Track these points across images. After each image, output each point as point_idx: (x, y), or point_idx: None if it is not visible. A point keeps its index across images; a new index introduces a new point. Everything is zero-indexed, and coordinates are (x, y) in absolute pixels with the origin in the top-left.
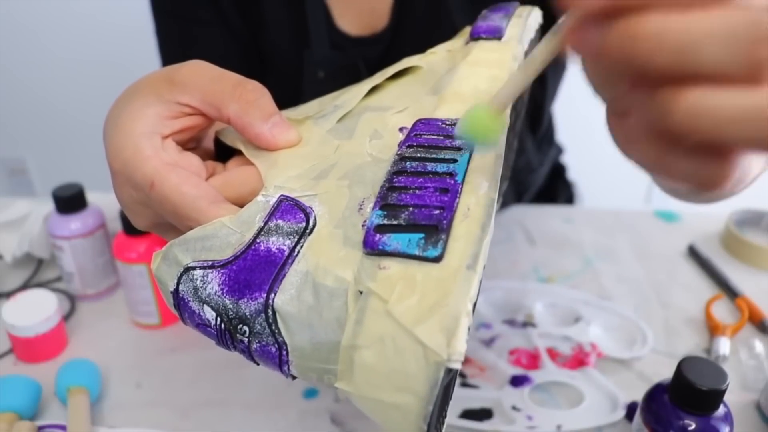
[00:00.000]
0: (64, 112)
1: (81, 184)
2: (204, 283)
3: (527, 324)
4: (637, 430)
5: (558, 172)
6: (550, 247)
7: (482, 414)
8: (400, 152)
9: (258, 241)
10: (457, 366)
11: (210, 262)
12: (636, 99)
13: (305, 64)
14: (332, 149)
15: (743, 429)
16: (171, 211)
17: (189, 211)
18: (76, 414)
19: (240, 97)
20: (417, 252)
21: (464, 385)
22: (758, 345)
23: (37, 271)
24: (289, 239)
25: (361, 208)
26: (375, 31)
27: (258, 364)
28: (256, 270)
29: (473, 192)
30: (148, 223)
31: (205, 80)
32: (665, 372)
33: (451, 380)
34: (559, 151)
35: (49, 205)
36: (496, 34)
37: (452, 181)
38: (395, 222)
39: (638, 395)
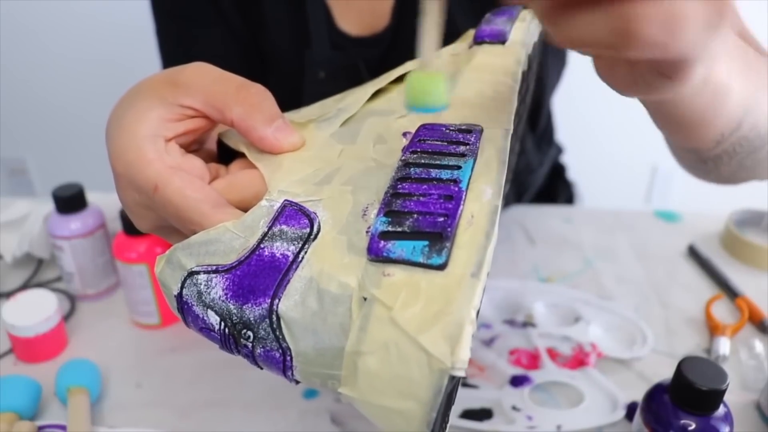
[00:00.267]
0: (64, 112)
1: (81, 184)
2: (208, 288)
3: (527, 324)
4: (637, 430)
5: (558, 172)
6: (550, 247)
7: (482, 414)
8: (404, 158)
9: (262, 246)
10: (461, 374)
11: (214, 267)
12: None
13: (306, 65)
14: (336, 153)
15: (743, 429)
16: (174, 214)
17: (192, 215)
18: (76, 414)
19: (243, 100)
20: (421, 259)
21: (464, 385)
22: (758, 345)
23: (37, 271)
24: (294, 245)
25: (365, 214)
26: (375, 32)
27: (261, 369)
28: (260, 275)
29: (477, 199)
30: (151, 226)
31: (209, 82)
32: (665, 372)
33: (454, 387)
34: (559, 151)
35: (49, 205)
36: (500, 39)
37: (456, 188)
38: (400, 229)
39: (638, 395)
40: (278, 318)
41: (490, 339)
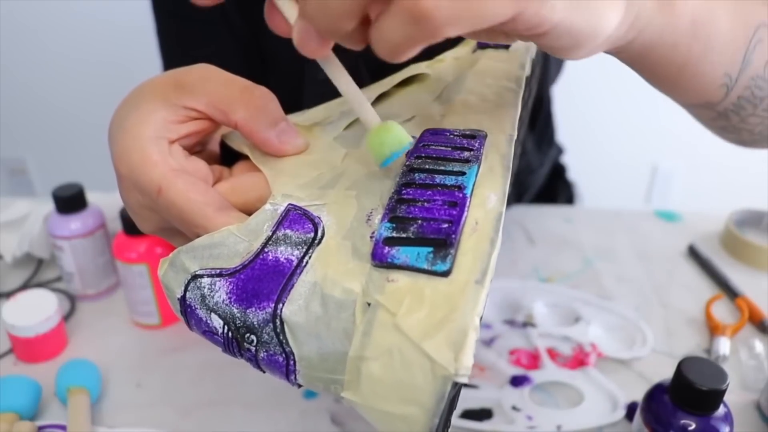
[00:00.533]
0: (64, 112)
1: (81, 184)
2: (212, 291)
3: (527, 324)
4: (637, 430)
5: (558, 172)
6: (550, 247)
7: (482, 414)
8: (408, 163)
9: (266, 250)
10: (465, 380)
11: (218, 271)
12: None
13: (306, 65)
14: (339, 157)
15: (743, 429)
16: (178, 216)
17: (196, 218)
18: (76, 414)
19: (248, 103)
20: (425, 266)
21: (464, 385)
22: (758, 345)
23: (37, 271)
24: (298, 249)
25: (369, 219)
26: None
27: (264, 372)
28: (264, 279)
29: (481, 206)
30: (154, 228)
31: (213, 84)
32: (665, 372)
33: (457, 392)
34: (559, 151)
35: (49, 205)
36: (504, 43)
37: (461, 195)
38: (404, 235)
39: (638, 395)
40: (282, 322)
41: (490, 339)
